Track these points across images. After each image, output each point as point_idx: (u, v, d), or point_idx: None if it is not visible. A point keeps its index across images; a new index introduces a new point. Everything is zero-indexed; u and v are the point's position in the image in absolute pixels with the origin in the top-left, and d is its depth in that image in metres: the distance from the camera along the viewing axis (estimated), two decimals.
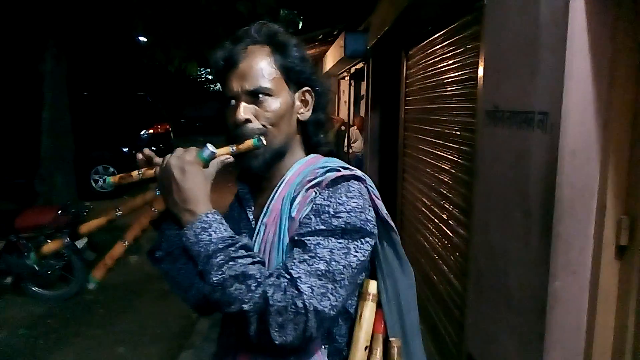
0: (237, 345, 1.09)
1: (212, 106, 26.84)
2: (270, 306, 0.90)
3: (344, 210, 1.00)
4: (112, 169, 9.56)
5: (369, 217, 1.03)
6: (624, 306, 1.77)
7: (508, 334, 2.26)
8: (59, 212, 4.68)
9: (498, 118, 2.43)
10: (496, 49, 2.48)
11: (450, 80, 3.55)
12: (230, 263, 0.94)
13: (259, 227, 1.11)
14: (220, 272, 0.93)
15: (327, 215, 1.00)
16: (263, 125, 1.11)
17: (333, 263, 0.96)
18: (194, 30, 6.81)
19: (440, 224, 3.68)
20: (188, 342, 3.99)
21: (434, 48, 4.05)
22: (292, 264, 0.95)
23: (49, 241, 4.58)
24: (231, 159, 1.10)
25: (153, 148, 6.44)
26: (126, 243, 1.12)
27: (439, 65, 3.87)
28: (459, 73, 3.34)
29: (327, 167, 1.09)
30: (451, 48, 3.57)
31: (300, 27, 9.44)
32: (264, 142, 1.08)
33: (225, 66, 1.14)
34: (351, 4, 7.17)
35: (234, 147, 1.09)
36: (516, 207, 2.18)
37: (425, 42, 4.36)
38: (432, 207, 3.93)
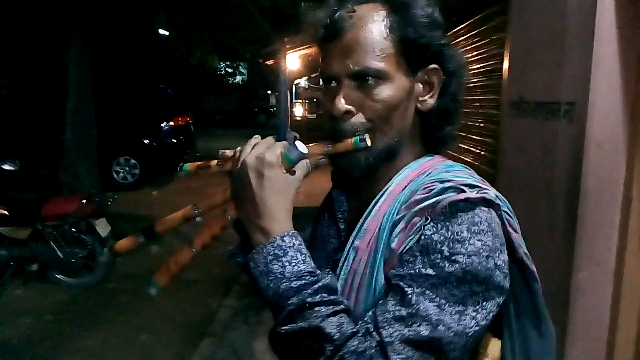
0: None
1: (232, 99, 27.03)
2: None
3: (464, 252, 0.72)
4: (133, 161, 9.68)
5: (499, 263, 0.74)
6: None
7: None
8: (84, 201, 4.76)
9: (523, 109, 2.42)
10: (522, 40, 2.47)
11: (474, 71, 3.53)
12: (305, 313, 0.72)
13: (348, 251, 0.84)
14: (289, 320, 0.73)
15: (438, 256, 0.73)
16: (369, 120, 0.84)
17: (441, 327, 0.70)
18: (216, 23, 6.86)
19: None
20: (209, 330, 4.04)
21: (459, 39, 4.03)
22: (385, 320, 0.72)
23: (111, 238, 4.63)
24: (325, 160, 0.87)
25: (174, 140, 6.55)
26: (194, 250, 0.88)
27: (464, 57, 3.86)
28: (484, 64, 3.33)
29: (446, 181, 0.80)
30: (476, 39, 3.55)
31: None
32: (369, 142, 0.82)
33: (325, 36, 0.86)
34: None
35: (329, 146, 0.85)
36: (540, 199, 2.18)
37: (450, 33, 4.35)
38: None
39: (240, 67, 31.32)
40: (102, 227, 4.83)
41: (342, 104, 0.83)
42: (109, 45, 11.13)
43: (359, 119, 0.84)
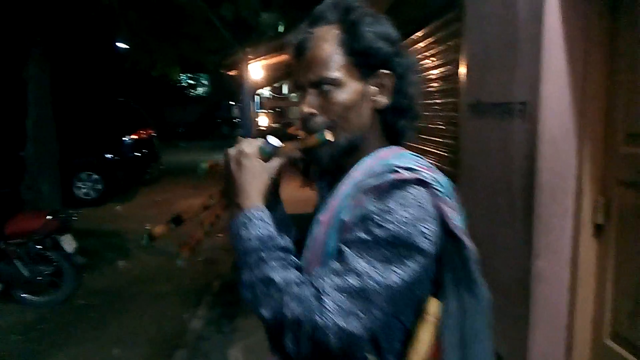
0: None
1: (194, 111, 26.81)
2: (285, 316, 0.85)
3: (392, 220, 0.87)
4: (95, 176, 9.52)
5: (424, 231, 0.88)
6: (602, 281, 1.89)
7: (495, 317, 2.37)
8: (48, 217, 4.68)
9: (480, 110, 2.54)
10: (477, 45, 2.60)
11: (433, 77, 3.66)
12: (260, 265, 0.90)
13: (314, 224, 1.02)
14: (249, 272, 0.91)
15: (372, 224, 0.88)
16: (330, 119, 1.00)
17: (368, 280, 0.85)
18: (177, 35, 6.85)
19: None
20: (182, 341, 4.02)
21: (417, 46, 4.17)
22: (325, 274, 0.88)
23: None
24: (297, 154, 1.03)
25: (137, 153, 6.49)
26: (204, 227, 1.09)
27: (422, 63, 3.99)
28: (442, 69, 3.46)
29: (389, 166, 0.96)
30: (434, 46, 3.69)
31: (282, 29, 9.54)
32: (330, 137, 0.98)
33: (294, 53, 1.04)
34: None
35: (299, 142, 1.02)
36: (500, 194, 2.30)
37: (408, 40, 4.49)
38: None
39: (202, 78, 31.14)
40: (68, 243, 4.75)
41: (306, 107, 1.01)
42: (69, 59, 10.94)
43: (321, 119, 1.01)
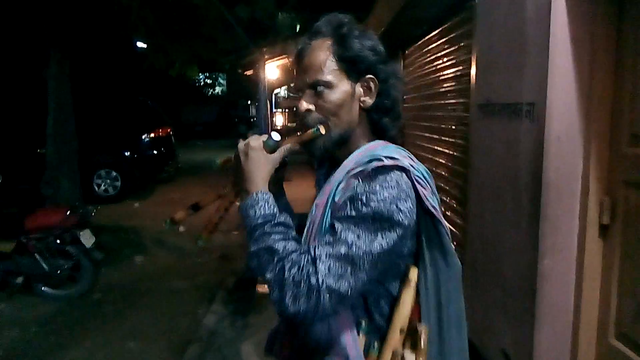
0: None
1: (212, 110, 26.98)
2: (285, 278, 1.01)
3: (375, 199, 1.04)
4: (114, 173, 9.68)
5: (401, 208, 1.04)
6: (607, 281, 1.91)
7: (502, 315, 2.40)
8: (68, 212, 4.80)
9: (490, 111, 2.56)
10: (487, 46, 2.62)
11: (445, 77, 3.68)
12: (264, 237, 1.07)
13: (312, 207, 1.20)
14: (256, 244, 1.08)
15: (359, 203, 1.04)
16: (324, 116, 1.18)
17: (354, 248, 1.01)
18: (193, 35, 6.94)
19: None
20: (196, 336, 4.09)
21: (430, 47, 4.19)
22: (319, 244, 1.04)
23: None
24: (296, 146, 1.19)
25: (154, 151, 6.61)
26: (220, 212, 1.24)
27: (435, 64, 4.01)
28: (454, 70, 3.47)
29: (374, 156, 1.13)
30: (445, 46, 3.71)
31: (297, 29, 9.60)
32: (323, 131, 1.16)
33: (295, 61, 1.23)
34: (348, 7, 7.29)
35: (298, 137, 1.19)
36: (507, 194, 2.32)
37: (421, 41, 4.51)
38: None
39: (219, 78, 31.34)
40: (87, 238, 4.86)
41: (303, 105, 1.19)
42: (89, 58, 11.12)
43: (316, 115, 1.18)
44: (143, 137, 10.05)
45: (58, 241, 4.75)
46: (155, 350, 3.95)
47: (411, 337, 1.12)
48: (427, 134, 4.24)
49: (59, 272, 4.76)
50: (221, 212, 1.24)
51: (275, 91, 16.41)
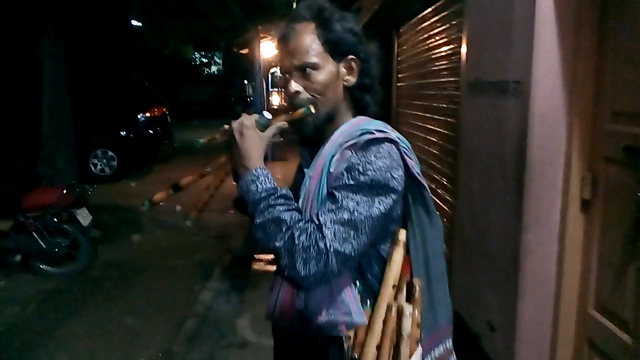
0: (282, 280, 1.27)
1: (208, 90, 26.83)
2: (296, 245, 1.09)
3: (372, 169, 1.13)
4: (110, 153, 9.71)
5: (394, 176, 1.15)
6: (588, 254, 1.97)
7: (488, 288, 2.47)
8: (64, 191, 4.84)
9: (479, 89, 2.60)
10: (477, 24, 2.65)
11: (437, 56, 3.71)
12: (270, 209, 1.14)
13: (306, 179, 1.26)
14: (261, 216, 1.14)
15: (356, 173, 1.14)
16: (312, 95, 1.25)
17: (356, 213, 1.11)
18: (188, 13, 6.91)
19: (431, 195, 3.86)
20: (192, 311, 4.17)
21: (422, 25, 4.20)
22: (322, 212, 1.12)
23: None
24: (286, 125, 1.26)
25: (150, 131, 6.62)
26: (210, 191, 1.30)
27: (428, 42, 4.03)
28: (445, 48, 3.50)
29: (364, 129, 1.22)
30: (438, 25, 3.72)
31: (294, 7, 9.52)
32: (313, 110, 1.24)
33: (279, 44, 1.29)
34: None
35: (288, 115, 1.26)
36: (494, 171, 2.37)
37: (414, 20, 4.51)
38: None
39: (215, 57, 31.12)
40: (84, 217, 4.92)
41: (292, 87, 1.26)
42: (83, 37, 11.04)
43: (305, 95, 1.26)
44: (139, 116, 10.05)
45: (55, 219, 4.80)
46: (152, 325, 4.04)
47: (404, 290, 1.22)
48: (420, 113, 4.28)
49: (56, 250, 4.83)
50: (211, 192, 1.29)
51: (272, 70, 16.33)
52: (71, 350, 3.61)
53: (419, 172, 1.24)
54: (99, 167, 9.72)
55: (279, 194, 1.17)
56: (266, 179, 1.19)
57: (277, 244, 1.11)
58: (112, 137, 9.77)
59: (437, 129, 3.64)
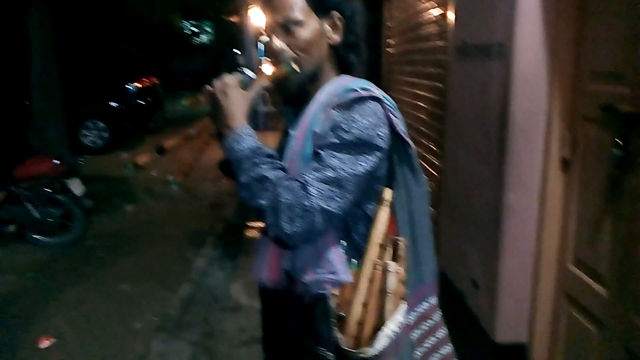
0: (268, 240, 1.27)
1: (199, 60, 26.46)
2: (280, 203, 1.08)
3: (356, 127, 1.12)
4: (101, 124, 9.65)
5: (379, 133, 1.14)
6: (567, 212, 2.03)
7: (472, 247, 2.54)
8: (56, 161, 4.85)
9: (465, 53, 2.62)
10: None
11: (426, 20, 3.70)
12: (254, 167, 1.13)
13: (290, 139, 1.25)
14: (245, 175, 1.14)
15: (341, 131, 1.13)
16: (295, 52, 1.24)
17: (341, 172, 1.10)
18: None
19: (419, 159, 3.91)
20: (187, 277, 4.25)
21: None
22: (307, 171, 1.12)
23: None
24: (269, 84, 1.25)
25: (141, 102, 6.59)
26: (194, 154, 1.29)
27: (417, 6, 4.01)
28: (434, 13, 3.49)
29: (349, 88, 1.21)
30: None
31: None
32: (296, 68, 1.23)
33: (264, 1, 1.29)
34: None
35: (272, 74, 1.24)
36: (478, 133, 2.42)
37: None
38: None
39: (205, 26, 30.65)
40: (77, 187, 4.95)
41: (276, 43, 1.25)
42: (70, 6, 10.85)
43: (288, 53, 1.25)
44: (129, 87, 9.96)
45: (48, 190, 4.83)
46: (147, 291, 4.12)
47: (390, 249, 1.23)
48: (409, 79, 4.29)
49: (50, 219, 4.87)
50: (195, 155, 1.28)
51: (261, 38, 16.13)
52: (68, 316, 3.69)
53: (404, 130, 1.23)
54: (90, 138, 9.67)
55: (262, 153, 1.16)
56: (250, 138, 1.17)
57: (262, 202, 1.11)
58: (102, 108, 9.70)
59: (426, 94, 3.66)
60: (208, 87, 1.25)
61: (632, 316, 1.63)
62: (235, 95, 1.20)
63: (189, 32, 28.91)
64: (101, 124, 9.66)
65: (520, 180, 2.10)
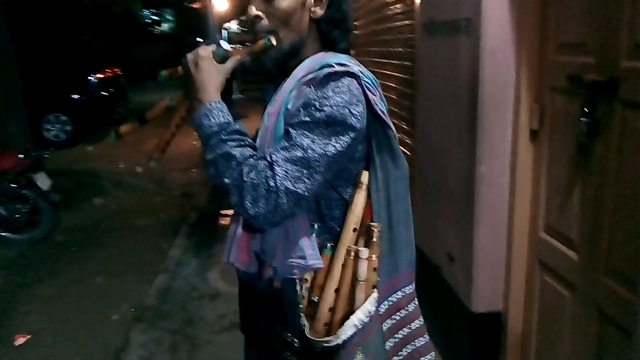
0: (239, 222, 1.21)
1: (160, 49, 25.95)
2: (244, 182, 1.03)
3: (328, 104, 1.06)
4: (63, 117, 9.41)
5: (353, 112, 1.07)
6: (537, 181, 2.09)
7: (446, 221, 2.60)
8: (21, 156, 4.73)
9: (433, 30, 2.65)
10: None
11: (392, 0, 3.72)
12: (221, 144, 1.08)
13: (264, 116, 1.20)
14: (212, 152, 1.09)
15: (312, 109, 1.06)
16: (273, 24, 1.17)
17: (310, 151, 1.04)
18: None
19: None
20: (162, 267, 4.22)
21: None
22: (276, 150, 1.06)
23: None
24: (246, 57, 1.19)
25: (104, 93, 6.48)
26: (171, 130, 1.24)
27: None
28: None
29: (325, 63, 1.14)
30: None
31: None
32: (274, 41, 1.16)
33: None
34: None
35: (248, 47, 1.19)
36: (449, 109, 2.46)
37: None
38: None
39: (166, 14, 30.03)
40: (43, 181, 4.84)
41: (252, 10, 1.18)
42: None
43: (265, 23, 1.18)
44: (91, 78, 9.72)
45: (13, 185, 4.71)
46: (123, 283, 4.08)
47: (365, 234, 1.19)
48: (377, 59, 4.30)
49: (17, 215, 4.76)
50: (172, 130, 1.23)
51: (225, 25, 15.92)
52: (44, 312, 3.64)
53: (383, 109, 1.17)
54: (52, 132, 9.43)
55: (231, 129, 1.11)
56: (220, 113, 1.12)
57: (226, 181, 1.06)
58: (64, 100, 9.45)
59: (395, 73, 3.69)
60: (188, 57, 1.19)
61: (602, 278, 1.70)
62: (208, 67, 1.14)
63: (150, 21, 28.29)
64: (63, 117, 9.42)
65: (491, 152, 2.15)
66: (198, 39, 26.32)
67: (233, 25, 18.81)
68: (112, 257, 4.63)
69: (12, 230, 4.86)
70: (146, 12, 25.42)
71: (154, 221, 5.54)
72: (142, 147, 9.22)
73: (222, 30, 14.87)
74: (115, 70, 10.81)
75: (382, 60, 4.11)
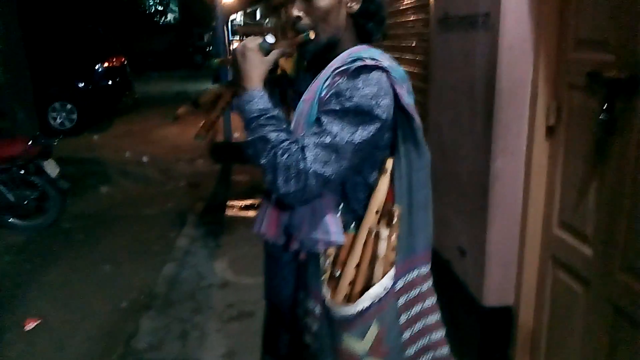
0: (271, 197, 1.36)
1: (164, 40, 25.89)
2: (277, 163, 1.15)
3: (358, 95, 1.17)
4: (69, 105, 9.43)
5: (380, 104, 1.18)
6: (552, 177, 2.11)
7: (459, 216, 2.61)
8: (30, 143, 4.75)
9: (448, 24, 2.66)
10: None
11: None
12: (259, 128, 1.20)
13: (300, 103, 1.31)
14: (251, 134, 1.21)
15: (342, 98, 1.18)
16: (312, 21, 1.27)
17: (338, 138, 1.15)
18: None
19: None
20: (170, 256, 4.25)
21: None
22: (307, 135, 1.18)
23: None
24: (288, 49, 1.31)
25: (109, 82, 6.51)
26: (217, 111, 1.36)
27: None
28: None
29: (357, 56, 1.24)
30: None
31: None
32: (312, 36, 1.26)
33: None
34: None
35: (289, 41, 1.30)
36: (464, 104, 2.47)
37: None
38: None
39: (171, 4, 29.95)
40: (51, 168, 4.86)
41: (294, 11, 1.28)
42: None
43: (306, 21, 1.28)
44: (97, 67, 9.73)
45: (22, 172, 4.72)
46: (131, 271, 4.10)
47: (386, 217, 1.28)
48: (390, 53, 4.31)
49: (25, 202, 4.78)
50: (218, 112, 1.37)
51: (231, 17, 15.88)
52: (52, 298, 3.66)
53: (409, 102, 1.26)
54: (58, 120, 9.45)
55: (270, 115, 1.22)
56: (261, 100, 1.23)
57: (262, 161, 1.18)
58: (70, 88, 9.46)
59: (407, 68, 3.69)
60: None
61: (618, 273, 1.71)
62: (253, 58, 1.25)
63: (154, 11, 28.20)
64: (69, 106, 9.44)
65: (506, 148, 2.17)
66: (202, 30, 26.26)
67: (238, 18, 18.79)
68: (120, 245, 4.65)
69: (20, 216, 4.88)
70: (151, 2, 25.32)
71: (160, 210, 5.56)
72: (146, 137, 9.28)
73: (228, 22, 14.83)
74: (122, 59, 10.81)
75: (394, 54, 4.11)
